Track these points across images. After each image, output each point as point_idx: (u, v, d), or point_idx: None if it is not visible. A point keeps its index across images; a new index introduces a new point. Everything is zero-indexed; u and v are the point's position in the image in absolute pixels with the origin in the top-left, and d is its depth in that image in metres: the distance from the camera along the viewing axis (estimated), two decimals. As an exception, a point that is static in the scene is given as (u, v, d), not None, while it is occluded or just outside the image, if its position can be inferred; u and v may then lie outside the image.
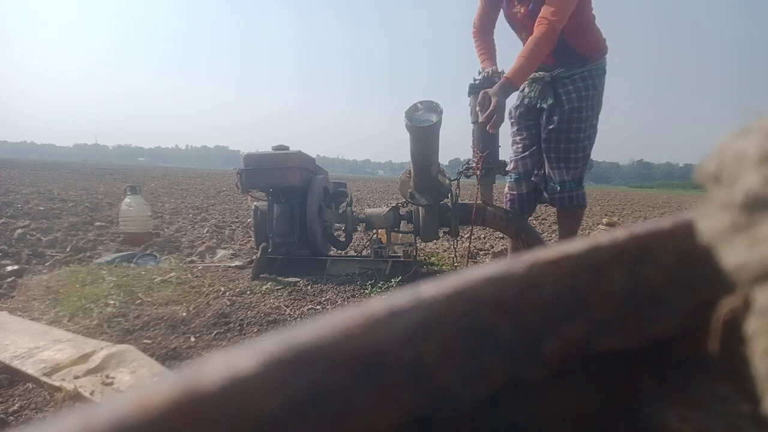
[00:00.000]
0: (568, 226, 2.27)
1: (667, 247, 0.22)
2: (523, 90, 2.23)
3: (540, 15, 1.90)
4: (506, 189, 2.33)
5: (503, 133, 2.13)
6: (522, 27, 2.09)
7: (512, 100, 2.30)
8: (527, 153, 2.22)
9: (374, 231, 2.44)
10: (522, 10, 2.04)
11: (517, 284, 0.19)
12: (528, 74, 2.01)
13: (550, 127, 2.10)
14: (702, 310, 0.21)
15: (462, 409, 0.17)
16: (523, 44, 1.98)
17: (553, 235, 3.84)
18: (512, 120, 2.30)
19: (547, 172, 2.17)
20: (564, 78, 2.09)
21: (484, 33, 2.27)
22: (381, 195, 10.42)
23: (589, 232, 4.01)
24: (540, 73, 2.13)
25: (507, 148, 2.30)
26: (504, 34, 2.31)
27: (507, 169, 2.25)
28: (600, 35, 2.11)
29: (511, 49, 2.06)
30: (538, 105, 2.14)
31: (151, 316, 1.57)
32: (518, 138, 2.26)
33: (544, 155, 2.17)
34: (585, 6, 2.00)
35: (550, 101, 2.09)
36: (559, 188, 2.13)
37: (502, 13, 2.20)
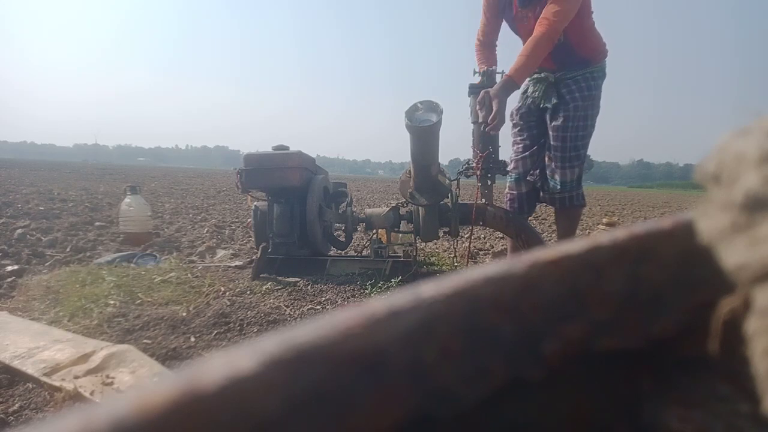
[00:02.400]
0: (567, 226, 2.27)
1: (667, 247, 0.22)
2: (526, 90, 2.24)
3: (542, 15, 1.91)
4: (506, 189, 2.34)
5: (503, 134, 2.13)
6: (528, 33, 2.11)
7: (514, 102, 2.31)
8: (527, 153, 2.23)
9: (374, 231, 2.44)
10: (529, 15, 2.05)
11: (517, 284, 0.19)
12: (529, 73, 2.02)
13: (555, 125, 2.11)
14: (702, 310, 0.21)
15: (462, 409, 0.17)
16: None
17: (553, 235, 3.84)
18: (513, 121, 2.30)
19: (549, 171, 2.18)
20: (567, 79, 2.11)
21: (487, 46, 2.28)
22: (381, 195, 10.41)
23: (589, 232, 4.02)
24: (543, 74, 2.14)
25: (507, 148, 2.30)
26: (508, 42, 2.31)
27: (507, 169, 2.26)
28: (600, 38, 2.13)
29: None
30: (542, 105, 2.15)
31: (151, 316, 1.57)
32: (519, 138, 2.27)
33: (547, 155, 2.18)
34: (586, 9, 2.01)
35: (554, 101, 2.10)
36: (560, 188, 2.14)
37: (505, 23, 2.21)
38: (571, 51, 2.05)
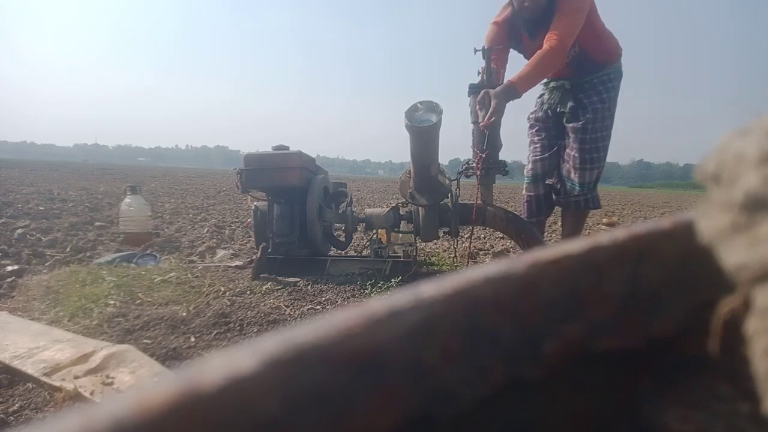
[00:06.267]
0: (573, 227, 2.27)
1: (667, 247, 0.21)
2: (542, 97, 2.24)
3: (550, 30, 1.90)
4: (524, 190, 2.33)
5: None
6: None
7: (530, 106, 2.31)
8: (546, 154, 2.22)
9: (374, 231, 2.44)
10: (540, 43, 2.04)
11: (517, 284, 0.19)
12: (533, 84, 2.02)
13: (574, 127, 2.11)
14: (702, 310, 0.21)
15: (462, 409, 0.17)
16: None
17: (554, 235, 3.84)
18: (530, 122, 2.30)
19: (565, 172, 2.17)
20: (584, 83, 2.11)
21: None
22: (381, 195, 10.41)
23: (589, 232, 4.01)
24: (559, 82, 2.14)
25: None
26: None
27: (525, 170, 2.27)
28: (613, 38, 2.12)
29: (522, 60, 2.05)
30: (559, 110, 2.14)
31: (151, 316, 1.57)
32: (536, 138, 2.26)
33: (565, 157, 2.18)
34: (594, 14, 2.01)
35: (570, 104, 2.10)
36: (578, 189, 2.13)
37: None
38: (586, 57, 2.05)
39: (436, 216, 2.19)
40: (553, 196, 2.27)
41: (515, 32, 2.13)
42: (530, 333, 0.19)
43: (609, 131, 2.13)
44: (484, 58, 2.09)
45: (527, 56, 2.17)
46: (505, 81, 2.01)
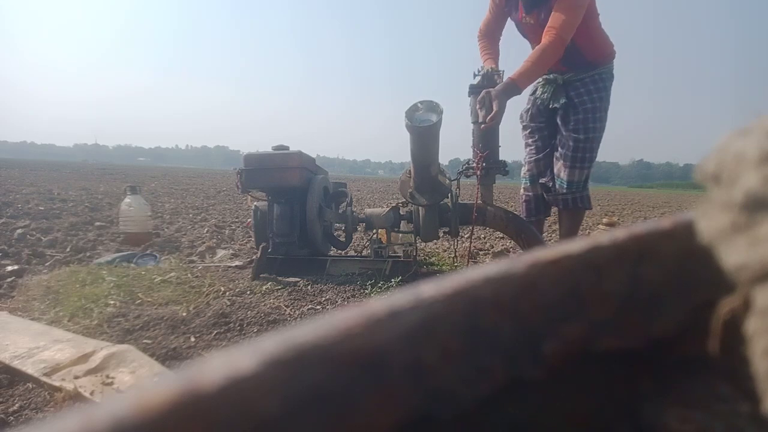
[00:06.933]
0: (569, 227, 2.27)
1: (667, 247, 0.21)
2: (535, 92, 2.25)
3: (548, 24, 1.91)
4: (522, 191, 2.35)
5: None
6: (532, 36, 2.11)
7: (522, 103, 2.32)
8: (541, 155, 2.24)
9: (374, 231, 2.44)
10: (531, 21, 2.06)
11: (517, 284, 0.19)
12: (533, 80, 2.02)
13: (564, 126, 2.12)
14: (702, 310, 0.21)
15: (462, 409, 0.17)
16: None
17: (553, 235, 3.84)
18: (523, 123, 2.31)
19: (556, 170, 2.19)
20: (575, 81, 2.12)
21: (489, 38, 2.29)
22: (381, 195, 10.40)
23: (589, 232, 4.01)
24: (552, 75, 2.15)
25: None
26: (512, 41, 2.33)
27: (522, 172, 2.28)
28: (607, 40, 2.13)
29: (519, 57, 2.07)
30: (551, 105, 2.16)
31: (151, 316, 1.57)
32: (531, 140, 2.28)
33: (556, 155, 2.19)
34: (592, 12, 2.02)
35: (562, 101, 2.11)
36: (566, 188, 2.14)
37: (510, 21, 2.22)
38: (578, 54, 2.06)
39: (436, 216, 2.19)
40: (546, 195, 2.28)
41: (513, 2, 2.14)
42: (530, 333, 0.19)
43: (601, 132, 2.14)
44: (484, 80, 2.10)
45: (519, 28, 2.19)
46: (504, 78, 2.01)
